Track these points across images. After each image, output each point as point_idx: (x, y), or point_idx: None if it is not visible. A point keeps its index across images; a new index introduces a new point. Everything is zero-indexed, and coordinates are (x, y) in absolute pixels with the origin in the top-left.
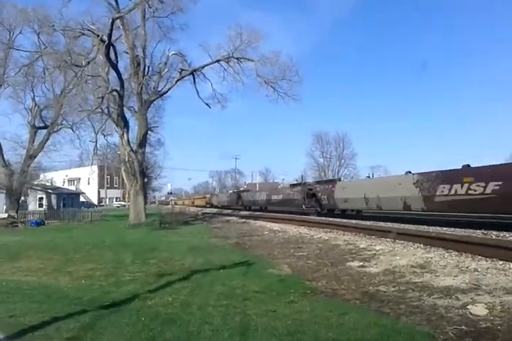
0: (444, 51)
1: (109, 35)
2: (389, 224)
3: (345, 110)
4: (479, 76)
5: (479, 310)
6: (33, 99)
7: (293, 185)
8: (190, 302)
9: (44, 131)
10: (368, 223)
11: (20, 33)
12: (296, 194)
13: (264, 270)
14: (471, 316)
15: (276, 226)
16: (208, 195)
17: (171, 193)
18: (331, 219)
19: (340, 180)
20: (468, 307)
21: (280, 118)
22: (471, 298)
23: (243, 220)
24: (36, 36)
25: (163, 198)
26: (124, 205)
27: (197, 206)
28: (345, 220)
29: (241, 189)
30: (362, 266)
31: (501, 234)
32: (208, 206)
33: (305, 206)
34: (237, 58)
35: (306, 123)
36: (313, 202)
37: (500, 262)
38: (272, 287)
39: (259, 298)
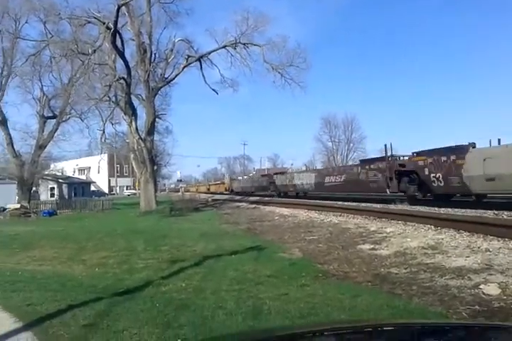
0: (455, 32)
1: (115, 23)
2: (399, 207)
3: (353, 93)
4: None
5: (492, 289)
6: (41, 89)
7: (366, 161)
8: (203, 287)
9: (53, 121)
10: (378, 206)
11: (26, 22)
12: (374, 173)
13: (275, 254)
14: (483, 296)
15: (286, 211)
16: (226, 180)
17: (181, 180)
18: (340, 202)
19: (474, 146)
20: (480, 287)
21: (288, 103)
22: (483, 278)
23: (253, 206)
24: (42, 25)
25: (172, 185)
26: (135, 193)
27: (213, 193)
28: (354, 204)
29: (266, 171)
30: (373, 249)
31: None
32: (226, 193)
33: (391, 190)
34: (244, 44)
35: (314, 107)
36: (409, 184)
37: None
38: (284, 271)
39: (271, 282)
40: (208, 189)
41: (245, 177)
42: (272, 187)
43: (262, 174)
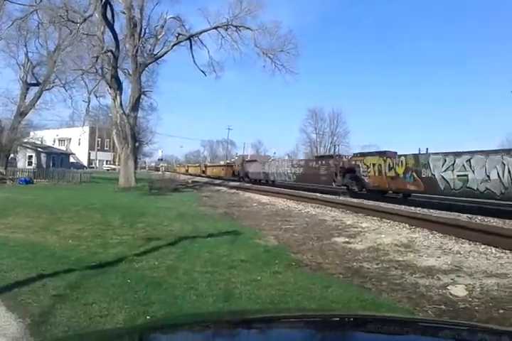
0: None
1: None
2: (376, 203)
3: (341, 88)
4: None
5: (459, 290)
6: (26, 55)
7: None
8: (176, 267)
9: (36, 88)
10: (355, 200)
11: None
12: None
13: (251, 240)
14: (450, 296)
15: (265, 198)
16: (232, 162)
17: (162, 159)
18: (319, 194)
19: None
20: (448, 287)
21: (276, 92)
22: (451, 279)
23: (233, 191)
24: None
25: (152, 164)
26: (114, 169)
27: (211, 177)
28: (332, 196)
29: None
30: (347, 242)
31: (486, 218)
32: (229, 178)
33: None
34: (236, 26)
35: (301, 98)
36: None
37: (483, 246)
38: (258, 257)
39: (245, 266)
40: (203, 171)
41: (279, 159)
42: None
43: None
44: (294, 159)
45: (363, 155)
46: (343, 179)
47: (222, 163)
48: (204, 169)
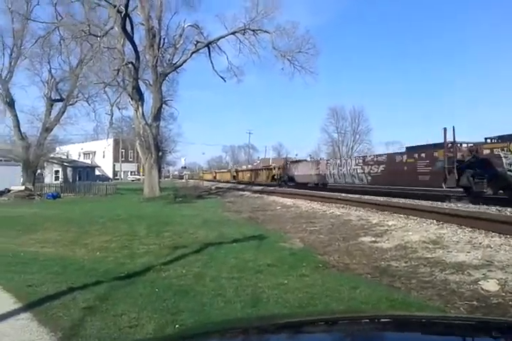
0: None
1: (126, 6)
2: (402, 200)
3: (362, 85)
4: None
5: (491, 285)
6: (50, 71)
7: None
8: (203, 274)
9: (60, 104)
10: (381, 199)
11: (37, 4)
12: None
13: (276, 244)
14: (482, 292)
15: (289, 201)
16: (279, 163)
17: (185, 167)
18: (343, 194)
19: None
20: (479, 282)
21: (295, 93)
22: (483, 274)
23: (256, 195)
24: (53, 7)
25: (176, 172)
26: (139, 179)
27: (243, 183)
28: (357, 195)
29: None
30: (374, 241)
31: None
32: (268, 183)
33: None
34: (253, 30)
35: (321, 98)
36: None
37: None
38: (284, 260)
39: (271, 271)
40: (234, 177)
41: (340, 158)
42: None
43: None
44: (367, 155)
45: (504, 139)
46: (461, 177)
47: (249, 166)
48: (235, 174)
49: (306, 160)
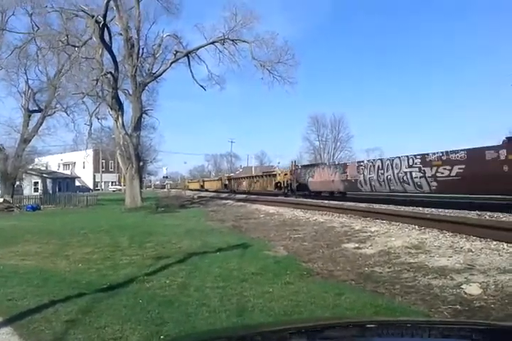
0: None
1: (104, 16)
2: (384, 207)
3: (341, 93)
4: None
5: (473, 289)
6: (27, 82)
7: None
8: (187, 284)
9: (38, 115)
10: (363, 205)
11: (13, 14)
12: None
13: (260, 252)
14: (465, 295)
15: (272, 209)
16: (288, 169)
17: (167, 177)
18: (326, 201)
19: None
20: (462, 286)
21: (276, 102)
22: (465, 278)
23: (239, 203)
24: (29, 17)
25: (157, 182)
26: (120, 189)
27: (237, 193)
28: (339, 202)
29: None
30: (357, 248)
31: (495, 214)
32: (269, 192)
33: None
34: (233, 40)
35: (302, 106)
36: None
37: (494, 242)
38: (269, 269)
39: (256, 279)
40: (226, 185)
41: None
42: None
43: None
44: (429, 152)
45: None
46: None
47: (236, 173)
48: (227, 182)
49: (324, 164)
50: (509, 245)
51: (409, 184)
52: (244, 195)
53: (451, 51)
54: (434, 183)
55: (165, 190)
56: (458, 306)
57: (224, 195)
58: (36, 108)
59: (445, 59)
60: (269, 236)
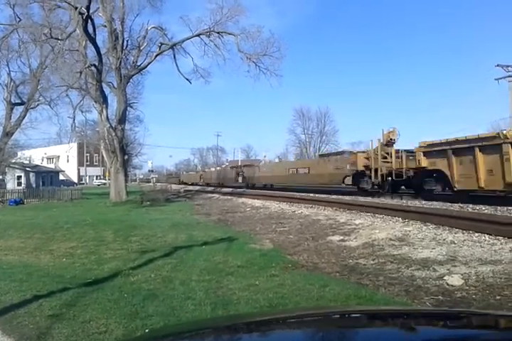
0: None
1: (88, 8)
2: (368, 199)
3: (327, 86)
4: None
5: (455, 280)
6: (9, 74)
7: None
8: (172, 277)
9: (21, 108)
10: (348, 198)
11: None
12: None
13: (246, 245)
14: (447, 286)
15: (258, 202)
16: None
17: (152, 171)
18: (312, 194)
19: None
20: (444, 278)
21: (262, 95)
22: (447, 269)
23: (226, 197)
24: (11, 9)
25: (141, 176)
26: (105, 183)
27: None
28: (324, 195)
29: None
30: (342, 240)
31: (477, 206)
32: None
33: None
34: (218, 32)
35: (288, 99)
36: None
37: (476, 234)
38: (254, 261)
39: (242, 272)
40: (243, 176)
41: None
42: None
43: None
44: None
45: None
46: None
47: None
48: (241, 171)
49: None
50: (490, 237)
51: None
52: (230, 189)
53: (438, 43)
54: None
55: (150, 183)
56: (440, 297)
57: (210, 189)
58: (19, 101)
59: (432, 51)
60: (255, 229)
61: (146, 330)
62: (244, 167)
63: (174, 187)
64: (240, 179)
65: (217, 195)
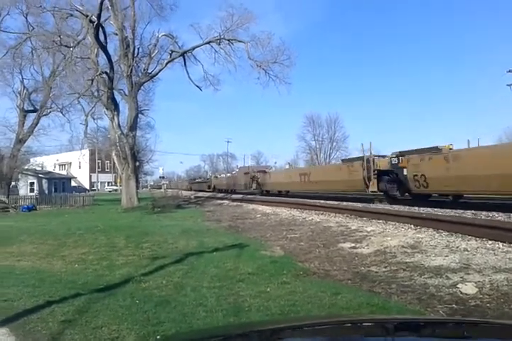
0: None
1: (99, 16)
2: (380, 206)
3: (337, 92)
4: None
5: (469, 288)
6: (22, 82)
7: None
8: (184, 284)
9: (33, 115)
10: (360, 205)
11: (7, 14)
12: None
13: (257, 252)
14: (461, 295)
15: (268, 209)
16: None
17: (164, 177)
18: (322, 201)
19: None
20: (458, 286)
21: (272, 102)
22: (461, 277)
23: (236, 203)
24: (24, 17)
25: (151, 183)
26: (116, 190)
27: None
28: (335, 202)
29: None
30: (353, 247)
31: (491, 214)
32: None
33: None
34: (228, 40)
35: (298, 106)
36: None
37: (490, 242)
38: (265, 268)
39: (252, 279)
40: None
41: None
42: None
43: None
44: None
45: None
46: None
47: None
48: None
49: None
50: (504, 244)
51: None
52: (240, 195)
53: (449, 49)
54: None
55: (161, 190)
56: (454, 305)
57: (220, 195)
58: (32, 108)
59: (443, 57)
60: (265, 236)
61: (158, 337)
62: (258, 173)
63: (185, 193)
64: (254, 185)
65: (227, 202)
